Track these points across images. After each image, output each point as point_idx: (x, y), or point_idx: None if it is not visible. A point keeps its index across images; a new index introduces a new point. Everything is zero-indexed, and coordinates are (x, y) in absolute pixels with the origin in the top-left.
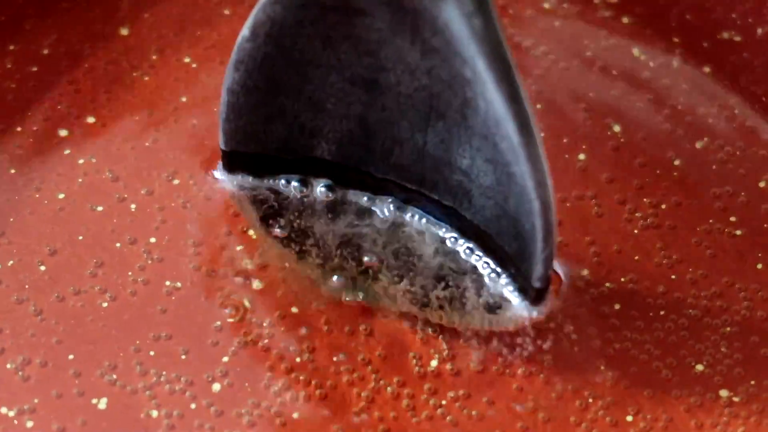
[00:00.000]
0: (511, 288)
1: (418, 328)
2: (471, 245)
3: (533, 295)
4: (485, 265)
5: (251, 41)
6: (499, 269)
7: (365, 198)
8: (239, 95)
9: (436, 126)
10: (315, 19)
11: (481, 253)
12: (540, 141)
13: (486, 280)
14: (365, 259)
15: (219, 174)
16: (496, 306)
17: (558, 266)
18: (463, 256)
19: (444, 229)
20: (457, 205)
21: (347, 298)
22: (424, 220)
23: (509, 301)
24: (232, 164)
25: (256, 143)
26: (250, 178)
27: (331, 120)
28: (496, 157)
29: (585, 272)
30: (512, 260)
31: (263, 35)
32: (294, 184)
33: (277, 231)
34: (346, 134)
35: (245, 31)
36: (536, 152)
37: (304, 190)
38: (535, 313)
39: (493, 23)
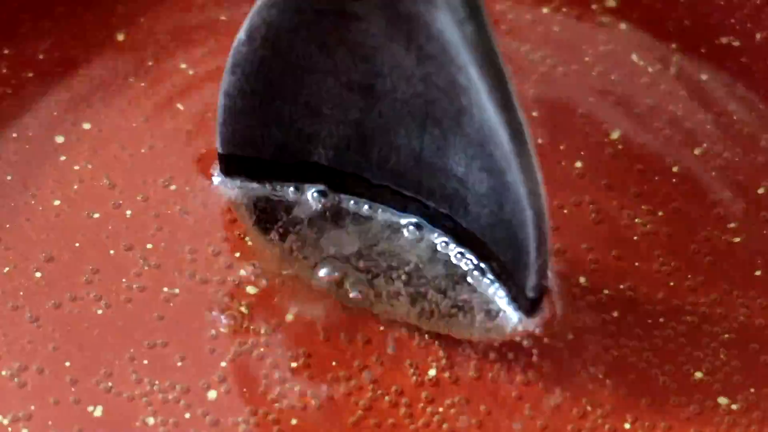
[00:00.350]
0: (505, 297)
1: (415, 336)
2: (466, 253)
3: (527, 306)
4: (480, 274)
5: (247, 45)
6: (493, 278)
7: (362, 204)
8: (236, 99)
9: (432, 133)
10: (310, 24)
11: (476, 262)
12: (533, 150)
13: (480, 289)
14: (361, 265)
15: (217, 178)
16: (490, 315)
17: (551, 277)
18: (458, 264)
19: (440, 237)
20: (453, 212)
21: (343, 304)
22: (420, 228)
23: (503, 311)
24: (229, 168)
25: (253, 147)
26: (248, 182)
27: (328, 125)
28: (491, 165)
29: (583, 279)
30: (507, 269)
31: (259, 39)
32: (291, 189)
33: (274, 236)
34: (343, 140)
35: (241, 34)
36: (529, 161)
37: (302, 196)
38: (529, 324)
39: (486, 30)
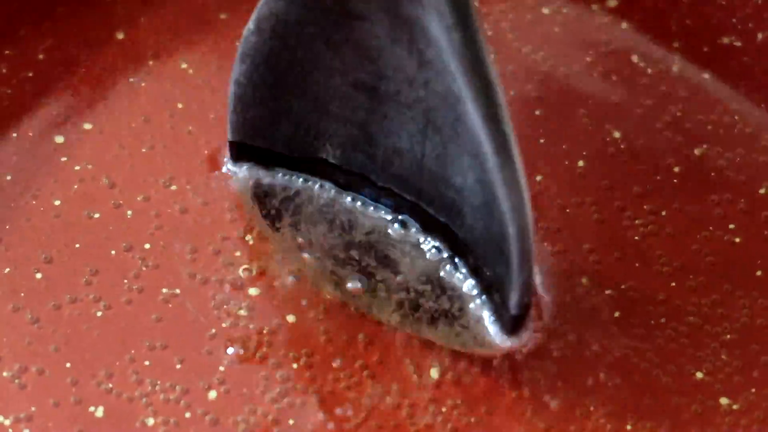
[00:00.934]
0: (490, 314)
1: (417, 337)
2: (460, 265)
3: (510, 323)
4: (470, 287)
5: (256, 35)
6: (481, 292)
7: (366, 206)
8: (246, 88)
9: (433, 140)
10: (317, 19)
11: (467, 275)
12: (520, 164)
13: (468, 302)
14: (360, 268)
15: (229, 165)
16: (472, 330)
17: (548, 285)
18: (450, 275)
19: (436, 248)
20: (450, 222)
21: (344, 304)
22: (420, 235)
23: (486, 327)
24: (239, 155)
25: (263, 138)
26: (253, 176)
27: (336, 123)
28: (484, 177)
29: (584, 280)
30: (496, 284)
31: (268, 30)
32: (296, 185)
33: (275, 235)
34: (350, 139)
35: (250, 24)
36: (514, 176)
37: (307, 192)
38: (510, 343)
39: (474, 38)
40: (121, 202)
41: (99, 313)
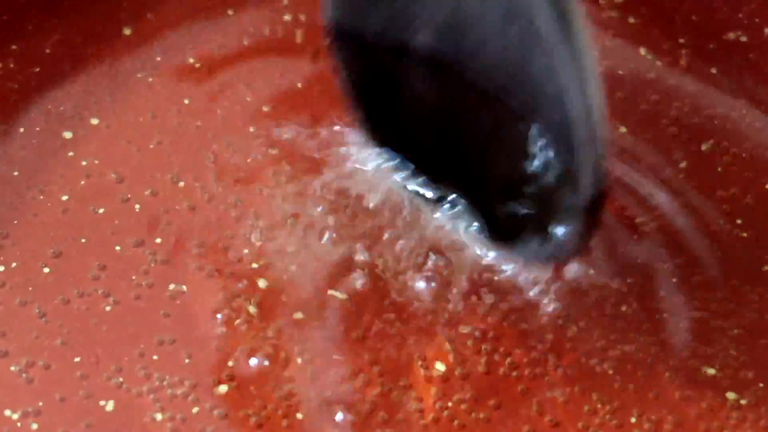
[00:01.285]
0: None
1: (425, 333)
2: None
3: (582, 223)
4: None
5: None
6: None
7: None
8: None
9: (512, 28)
10: None
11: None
12: (584, 41)
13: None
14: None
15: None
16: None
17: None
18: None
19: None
20: (531, 117)
21: (352, 298)
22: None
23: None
24: (335, 41)
25: (358, 20)
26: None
27: (428, 8)
28: (553, 62)
29: (591, 272)
30: (567, 182)
31: None
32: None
33: (282, 230)
34: (440, 27)
35: None
36: (576, 52)
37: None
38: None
39: None
40: (128, 197)
41: (107, 308)
